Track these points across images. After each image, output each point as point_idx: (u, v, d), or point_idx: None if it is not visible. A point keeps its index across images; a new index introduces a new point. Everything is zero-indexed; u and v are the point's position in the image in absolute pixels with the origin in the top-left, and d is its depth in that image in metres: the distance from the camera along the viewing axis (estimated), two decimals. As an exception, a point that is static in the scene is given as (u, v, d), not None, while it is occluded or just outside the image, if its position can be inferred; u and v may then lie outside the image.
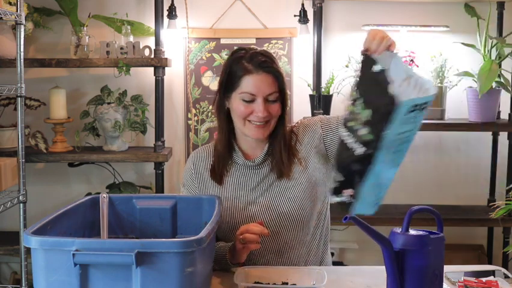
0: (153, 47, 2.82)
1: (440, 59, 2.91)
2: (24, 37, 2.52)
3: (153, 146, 2.89)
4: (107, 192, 1.50)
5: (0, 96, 2.86)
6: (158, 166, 2.89)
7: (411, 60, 2.88)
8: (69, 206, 1.38)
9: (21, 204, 2.53)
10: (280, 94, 1.68)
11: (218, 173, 1.77)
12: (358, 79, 1.40)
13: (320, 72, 2.89)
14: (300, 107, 3.07)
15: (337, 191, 1.40)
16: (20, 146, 2.52)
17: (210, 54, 3.09)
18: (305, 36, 3.02)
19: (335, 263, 2.27)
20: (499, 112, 2.96)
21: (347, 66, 2.96)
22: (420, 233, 1.25)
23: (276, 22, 3.07)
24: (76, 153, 2.89)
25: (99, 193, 1.48)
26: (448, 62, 2.91)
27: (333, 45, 3.08)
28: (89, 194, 2.82)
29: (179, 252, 1.11)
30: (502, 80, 2.79)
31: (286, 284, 1.48)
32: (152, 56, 2.81)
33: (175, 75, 3.08)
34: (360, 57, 1.40)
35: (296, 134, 1.78)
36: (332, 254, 2.84)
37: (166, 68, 2.89)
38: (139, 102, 2.90)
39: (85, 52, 2.85)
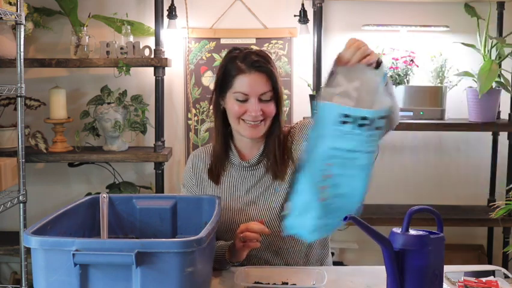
0: (153, 47, 2.82)
1: (440, 59, 2.91)
2: (24, 37, 2.52)
3: (153, 146, 2.89)
4: (107, 192, 1.50)
5: (0, 96, 2.86)
6: (158, 166, 2.89)
7: (411, 60, 2.89)
8: (69, 206, 1.38)
9: (21, 204, 2.53)
10: (275, 93, 1.68)
11: (215, 173, 1.78)
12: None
13: (319, 72, 2.89)
14: (300, 107, 3.07)
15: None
16: (20, 146, 2.52)
17: (210, 54, 3.09)
18: (305, 36, 3.02)
19: (335, 263, 2.27)
20: (499, 112, 2.96)
21: (347, 66, 2.96)
22: (420, 233, 1.25)
23: (276, 22, 3.07)
24: (76, 153, 2.89)
25: (99, 193, 1.48)
26: (448, 62, 2.91)
27: (333, 45, 3.08)
28: (89, 194, 2.82)
29: (179, 252, 1.11)
30: (502, 80, 2.79)
31: (286, 284, 1.48)
32: (152, 56, 2.81)
33: (175, 75, 3.08)
34: (331, 66, 1.38)
35: (293, 135, 1.78)
36: (332, 254, 2.83)
37: (166, 68, 2.89)
38: (139, 102, 2.90)
39: (85, 52, 2.85)
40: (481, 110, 2.84)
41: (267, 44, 3.06)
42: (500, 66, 2.77)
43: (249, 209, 1.72)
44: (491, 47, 2.80)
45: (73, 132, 2.94)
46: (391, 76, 2.86)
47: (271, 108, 1.68)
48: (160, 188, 2.89)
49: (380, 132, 1.30)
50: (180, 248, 1.10)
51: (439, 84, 2.91)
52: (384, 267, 1.25)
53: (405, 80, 2.89)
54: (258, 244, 1.56)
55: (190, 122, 3.11)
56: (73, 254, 1.10)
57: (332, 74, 1.35)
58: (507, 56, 2.80)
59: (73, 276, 1.12)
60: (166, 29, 2.96)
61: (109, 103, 2.86)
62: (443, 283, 1.30)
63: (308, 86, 2.97)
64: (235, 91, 1.67)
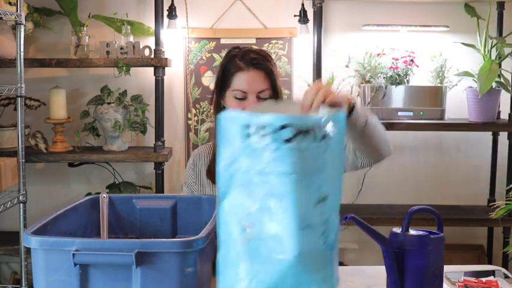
0: (153, 47, 2.82)
1: (440, 59, 2.91)
2: (24, 37, 2.52)
3: (153, 146, 2.89)
4: (107, 192, 1.49)
5: (0, 96, 2.86)
6: (158, 166, 2.89)
7: (411, 60, 2.89)
8: (69, 206, 1.38)
9: (21, 204, 2.53)
10: (274, 92, 1.68)
11: (214, 173, 1.77)
12: None
13: (320, 72, 2.89)
14: (300, 107, 3.07)
15: None
16: (20, 146, 2.52)
17: (210, 54, 3.09)
18: (305, 36, 3.02)
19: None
20: (499, 112, 2.96)
21: (346, 66, 2.96)
22: (420, 233, 1.25)
23: (276, 22, 3.07)
24: (76, 153, 2.89)
25: (99, 193, 1.48)
26: (448, 62, 2.91)
27: (333, 45, 3.08)
28: (89, 194, 2.82)
29: (179, 252, 1.11)
30: (502, 80, 2.79)
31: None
32: (152, 56, 2.81)
33: (175, 75, 3.08)
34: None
35: None
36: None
37: (166, 68, 2.89)
38: (139, 102, 2.90)
39: (85, 52, 2.85)
40: (481, 110, 2.84)
41: (267, 44, 3.06)
42: (500, 66, 2.77)
43: None
44: (491, 47, 2.80)
45: (73, 132, 2.94)
46: (391, 76, 2.86)
47: None
48: (160, 188, 2.89)
49: (292, 146, 1.04)
50: (180, 248, 1.10)
51: (439, 84, 2.91)
52: (384, 267, 1.25)
53: (405, 80, 2.89)
54: None
55: (190, 122, 3.11)
56: (73, 254, 1.10)
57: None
58: (507, 56, 2.80)
59: (73, 276, 1.12)
60: (166, 29, 2.96)
61: (109, 103, 2.86)
62: (443, 283, 1.30)
63: (308, 86, 2.97)
64: (233, 89, 1.67)
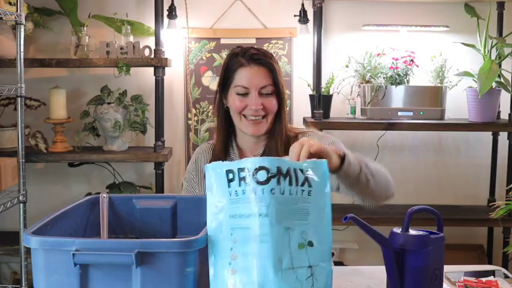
0: (153, 47, 2.82)
1: (440, 59, 2.92)
2: (24, 37, 2.52)
3: (153, 146, 2.89)
4: (107, 192, 1.49)
5: (0, 96, 2.86)
6: (158, 166, 2.89)
7: (411, 60, 2.89)
8: (69, 206, 1.38)
9: (21, 204, 2.53)
10: (276, 88, 1.68)
11: None
12: None
13: (320, 72, 2.89)
14: (300, 107, 3.07)
15: None
16: (20, 146, 2.52)
17: (210, 54, 3.09)
18: (305, 36, 3.02)
19: (335, 263, 2.27)
20: (499, 112, 2.96)
21: (347, 66, 2.96)
22: (420, 233, 1.25)
23: (276, 22, 3.07)
24: (76, 153, 2.89)
25: (99, 193, 1.47)
26: (448, 62, 2.91)
27: (333, 45, 3.08)
28: (89, 194, 2.82)
29: (179, 252, 1.10)
30: (502, 80, 2.79)
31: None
32: (152, 56, 2.81)
33: (175, 75, 3.08)
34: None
35: None
36: (332, 254, 2.84)
37: (166, 68, 2.89)
38: (139, 102, 2.90)
39: (85, 52, 2.85)
40: (481, 110, 2.84)
41: (267, 44, 3.06)
42: (500, 66, 2.77)
43: None
44: (491, 47, 2.80)
45: (73, 132, 2.94)
46: (391, 76, 2.86)
47: (272, 103, 1.67)
48: (160, 188, 2.89)
49: (268, 188, 1.09)
50: (180, 248, 1.10)
51: (439, 84, 2.91)
52: (384, 267, 1.25)
53: (405, 80, 2.89)
54: None
55: (190, 122, 3.11)
56: (73, 254, 1.10)
57: None
58: (507, 56, 2.80)
59: (73, 276, 1.12)
60: (166, 29, 2.96)
61: (109, 103, 2.86)
62: (443, 283, 1.30)
63: (308, 86, 2.97)
64: (235, 85, 1.67)
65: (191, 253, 1.11)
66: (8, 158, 2.66)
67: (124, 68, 2.76)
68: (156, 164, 2.89)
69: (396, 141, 3.17)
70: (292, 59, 3.08)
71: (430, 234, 1.25)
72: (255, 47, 1.74)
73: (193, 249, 1.11)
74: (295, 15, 3.00)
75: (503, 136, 3.05)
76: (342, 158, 1.37)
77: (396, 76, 2.87)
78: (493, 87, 2.76)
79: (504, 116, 2.96)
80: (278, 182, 1.11)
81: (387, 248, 1.22)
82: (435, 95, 2.89)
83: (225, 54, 3.07)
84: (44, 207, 2.92)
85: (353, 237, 3.10)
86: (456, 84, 2.94)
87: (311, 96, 2.94)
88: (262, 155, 1.73)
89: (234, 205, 1.12)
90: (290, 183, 1.12)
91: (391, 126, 2.83)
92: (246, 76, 1.66)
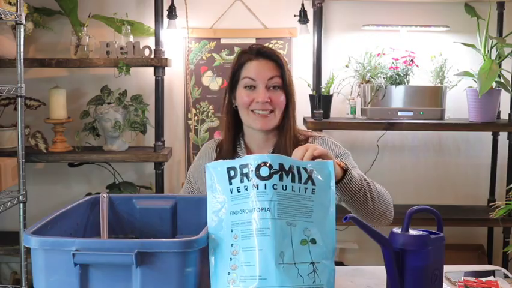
0: (153, 47, 2.82)
1: (440, 59, 2.92)
2: (24, 37, 2.52)
3: (153, 146, 2.89)
4: (107, 192, 1.49)
5: (0, 96, 2.86)
6: (158, 166, 2.89)
7: (411, 60, 2.89)
8: (69, 206, 1.38)
9: (21, 204, 2.53)
10: (283, 83, 1.68)
11: None
12: None
13: (320, 72, 2.89)
14: (300, 107, 3.03)
15: None
16: (20, 146, 2.52)
17: (210, 54, 3.09)
18: (305, 36, 3.02)
19: (335, 263, 2.27)
20: (499, 112, 2.96)
21: (347, 66, 2.96)
22: (420, 233, 1.25)
23: (276, 22, 3.07)
24: (76, 153, 2.89)
25: (99, 193, 1.47)
26: (448, 62, 2.92)
27: (333, 45, 3.08)
28: (89, 194, 2.82)
29: (179, 252, 1.10)
30: (502, 80, 2.79)
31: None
32: (152, 56, 2.81)
33: (175, 75, 3.08)
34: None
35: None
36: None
37: (166, 68, 2.89)
38: (139, 102, 2.90)
39: (85, 52, 2.85)
40: (481, 110, 2.84)
41: (267, 44, 3.06)
42: (500, 66, 2.77)
43: None
44: (491, 47, 2.80)
45: (73, 132, 2.94)
46: (391, 76, 2.86)
47: (280, 97, 1.67)
48: (160, 188, 2.89)
49: (270, 183, 1.11)
50: (180, 248, 1.10)
51: (439, 84, 2.91)
52: (384, 267, 1.25)
53: (405, 80, 2.89)
54: None
55: (190, 122, 3.11)
56: (73, 254, 1.10)
57: None
58: (507, 56, 2.80)
59: (73, 276, 1.12)
60: (166, 29, 2.96)
61: (109, 103, 2.86)
62: (443, 283, 1.30)
63: (308, 86, 2.97)
64: (243, 77, 1.68)
65: (191, 253, 1.11)
66: (8, 158, 2.66)
67: (124, 68, 2.76)
68: (156, 164, 2.89)
69: (396, 141, 3.18)
70: (292, 59, 3.08)
71: (430, 234, 1.25)
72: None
73: (193, 249, 1.11)
74: (295, 15, 3.00)
75: (503, 136, 3.05)
76: (345, 171, 1.38)
77: (396, 76, 2.87)
78: (493, 87, 2.76)
79: (504, 116, 2.96)
80: (281, 178, 1.13)
81: (387, 248, 1.22)
82: (435, 95, 2.89)
83: (225, 54, 3.08)
84: (44, 207, 2.92)
85: (353, 237, 3.10)
86: (456, 84, 2.94)
87: (311, 96, 2.94)
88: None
89: (235, 201, 1.13)
90: (293, 180, 1.14)
91: (391, 126, 2.83)
92: (253, 68, 1.68)
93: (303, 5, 2.99)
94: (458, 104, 3.00)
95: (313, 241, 1.12)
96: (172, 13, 2.98)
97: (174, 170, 3.16)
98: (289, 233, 1.10)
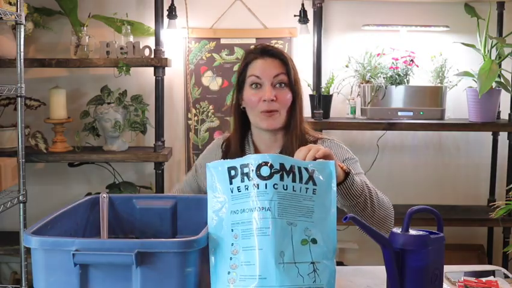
0: (153, 47, 2.82)
1: (440, 59, 2.92)
2: (24, 37, 2.51)
3: (153, 146, 2.89)
4: (107, 192, 1.49)
5: (0, 96, 2.86)
6: (158, 166, 2.89)
7: (411, 60, 2.89)
8: (69, 206, 1.38)
9: (21, 204, 2.53)
10: (289, 81, 1.68)
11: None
12: None
13: (319, 72, 2.89)
14: (300, 107, 3.07)
15: None
16: (20, 146, 2.52)
17: (210, 54, 3.09)
18: (305, 36, 3.02)
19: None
20: (499, 112, 2.96)
21: (347, 66, 2.97)
22: (420, 233, 1.25)
23: (276, 22, 3.07)
24: (76, 153, 2.89)
25: (99, 193, 1.47)
26: (448, 62, 2.92)
27: (333, 45, 3.08)
28: (89, 194, 2.82)
29: (179, 252, 1.10)
30: (502, 80, 2.79)
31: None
32: (152, 56, 2.81)
33: (175, 75, 3.08)
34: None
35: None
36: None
37: (166, 68, 2.89)
38: (139, 102, 2.90)
39: (85, 52, 2.85)
40: (481, 110, 2.84)
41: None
42: (500, 66, 2.77)
43: None
44: (491, 47, 2.80)
45: (73, 132, 2.94)
46: (391, 76, 2.86)
47: (286, 95, 1.67)
48: (160, 188, 2.89)
49: (271, 183, 1.12)
50: (180, 248, 1.10)
51: (439, 84, 2.91)
52: (384, 267, 1.25)
53: (405, 80, 2.89)
54: None
55: (190, 122, 3.11)
56: (73, 254, 1.10)
57: None
58: (507, 56, 2.80)
59: (73, 276, 1.12)
60: (166, 29, 2.96)
61: (109, 103, 2.86)
62: (443, 283, 1.29)
63: (308, 86, 2.97)
64: (249, 75, 1.69)
65: (191, 253, 1.12)
66: (8, 158, 2.66)
67: (124, 68, 2.76)
68: (156, 164, 2.89)
69: (396, 141, 3.18)
70: (292, 59, 3.08)
71: (430, 234, 1.25)
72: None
73: (193, 249, 1.11)
74: (295, 15, 3.00)
75: (503, 136, 3.05)
76: (347, 175, 1.38)
77: (396, 76, 2.87)
78: (493, 87, 2.76)
79: (504, 116, 2.97)
80: (281, 178, 1.13)
81: (387, 248, 1.22)
82: (435, 95, 2.89)
83: (225, 54, 3.08)
84: (44, 207, 2.91)
85: (353, 237, 3.10)
86: (456, 84, 2.94)
87: (311, 96, 2.94)
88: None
89: (236, 201, 1.14)
90: (294, 180, 1.14)
91: (391, 126, 2.83)
92: (258, 66, 1.68)
93: (303, 5, 2.99)
94: (458, 104, 3.01)
95: (314, 241, 1.12)
96: (172, 13, 2.98)
97: (174, 170, 3.16)
98: (290, 233, 1.10)
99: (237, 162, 1.16)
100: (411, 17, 3.05)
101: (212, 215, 1.17)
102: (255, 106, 1.67)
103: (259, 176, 1.12)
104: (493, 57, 2.80)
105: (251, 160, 1.14)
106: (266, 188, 1.11)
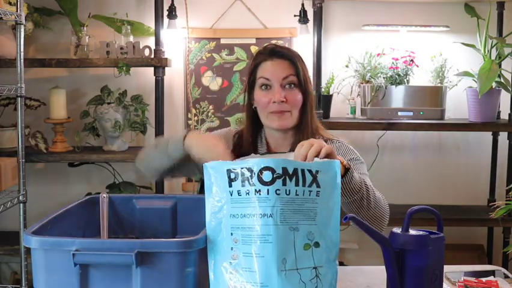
0: (153, 47, 2.82)
1: (440, 59, 2.92)
2: (24, 37, 2.51)
3: (153, 146, 2.88)
4: (107, 192, 1.49)
5: (0, 96, 2.86)
6: (158, 166, 2.88)
7: (411, 60, 2.89)
8: (69, 206, 1.38)
9: (21, 204, 2.53)
10: (299, 81, 1.68)
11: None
12: None
13: (319, 72, 2.89)
14: (300, 107, 3.07)
15: None
16: (20, 146, 2.52)
17: (210, 54, 3.09)
18: (305, 36, 3.02)
19: (335, 263, 2.26)
20: (499, 112, 2.96)
21: (347, 66, 2.96)
22: (420, 233, 1.25)
23: (276, 22, 3.07)
24: (76, 153, 2.89)
25: (99, 193, 1.47)
26: (448, 62, 2.92)
27: (333, 45, 3.08)
28: (89, 194, 2.82)
29: (179, 252, 1.11)
30: (502, 80, 2.79)
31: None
32: (152, 56, 2.81)
33: (175, 75, 3.08)
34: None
35: None
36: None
37: (166, 68, 2.89)
38: (139, 102, 2.90)
39: (85, 52, 2.85)
40: (481, 110, 2.84)
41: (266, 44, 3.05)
42: (500, 66, 2.77)
43: None
44: (491, 47, 2.80)
45: (73, 132, 2.94)
46: (391, 76, 2.86)
47: (296, 96, 1.67)
48: (160, 188, 2.89)
49: (273, 188, 1.09)
50: (180, 248, 1.10)
51: (439, 84, 2.91)
52: (384, 267, 1.25)
53: (405, 80, 2.89)
54: None
55: (190, 122, 3.11)
56: (73, 254, 1.10)
57: None
58: (507, 56, 2.80)
59: (73, 276, 1.12)
60: (166, 29, 2.96)
61: (109, 103, 2.86)
62: (443, 283, 1.30)
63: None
64: (259, 77, 1.69)
65: (191, 253, 1.12)
66: (8, 158, 2.66)
67: (124, 68, 2.76)
68: (156, 164, 2.89)
69: (396, 141, 3.17)
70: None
71: (430, 234, 1.25)
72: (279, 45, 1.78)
73: (193, 249, 1.11)
74: (295, 15, 2.99)
75: (503, 136, 3.05)
76: (346, 171, 1.37)
77: (396, 76, 2.87)
78: (493, 87, 2.76)
79: (504, 116, 2.96)
80: (284, 183, 1.10)
81: (387, 248, 1.22)
82: (435, 95, 2.89)
83: (225, 54, 3.08)
84: (44, 207, 2.91)
85: (353, 237, 3.10)
86: (456, 84, 2.94)
87: (311, 96, 2.94)
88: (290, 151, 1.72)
89: (236, 204, 1.12)
90: (297, 184, 1.11)
91: (391, 126, 2.83)
92: (267, 68, 1.68)
93: (303, 5, 2.99)
94: (458, 104, 3.00)
95: (317, 245, 1.11)
96: (172, 13, 2.98)
97: (174, 170, 3.15)
98: (292, 239, 1.09)
99: (237, 165, 1.14)
100: (411, 17, 3.05)
101: (210, 217, 1.16)
102: (265, 107, 1.68)
103: (261, 182, 1.09)
104: (493, 57, 2.80)
105: (252, 164, 1.11)
106: (268, 194, 1.09)
